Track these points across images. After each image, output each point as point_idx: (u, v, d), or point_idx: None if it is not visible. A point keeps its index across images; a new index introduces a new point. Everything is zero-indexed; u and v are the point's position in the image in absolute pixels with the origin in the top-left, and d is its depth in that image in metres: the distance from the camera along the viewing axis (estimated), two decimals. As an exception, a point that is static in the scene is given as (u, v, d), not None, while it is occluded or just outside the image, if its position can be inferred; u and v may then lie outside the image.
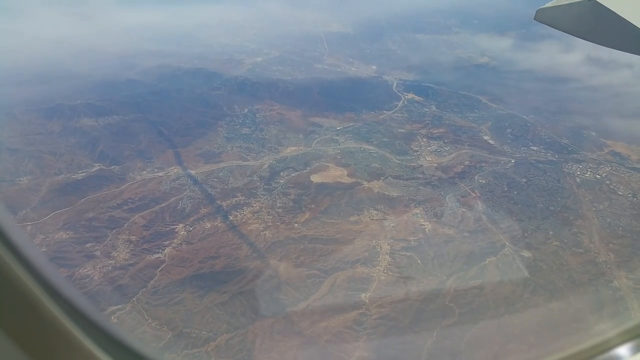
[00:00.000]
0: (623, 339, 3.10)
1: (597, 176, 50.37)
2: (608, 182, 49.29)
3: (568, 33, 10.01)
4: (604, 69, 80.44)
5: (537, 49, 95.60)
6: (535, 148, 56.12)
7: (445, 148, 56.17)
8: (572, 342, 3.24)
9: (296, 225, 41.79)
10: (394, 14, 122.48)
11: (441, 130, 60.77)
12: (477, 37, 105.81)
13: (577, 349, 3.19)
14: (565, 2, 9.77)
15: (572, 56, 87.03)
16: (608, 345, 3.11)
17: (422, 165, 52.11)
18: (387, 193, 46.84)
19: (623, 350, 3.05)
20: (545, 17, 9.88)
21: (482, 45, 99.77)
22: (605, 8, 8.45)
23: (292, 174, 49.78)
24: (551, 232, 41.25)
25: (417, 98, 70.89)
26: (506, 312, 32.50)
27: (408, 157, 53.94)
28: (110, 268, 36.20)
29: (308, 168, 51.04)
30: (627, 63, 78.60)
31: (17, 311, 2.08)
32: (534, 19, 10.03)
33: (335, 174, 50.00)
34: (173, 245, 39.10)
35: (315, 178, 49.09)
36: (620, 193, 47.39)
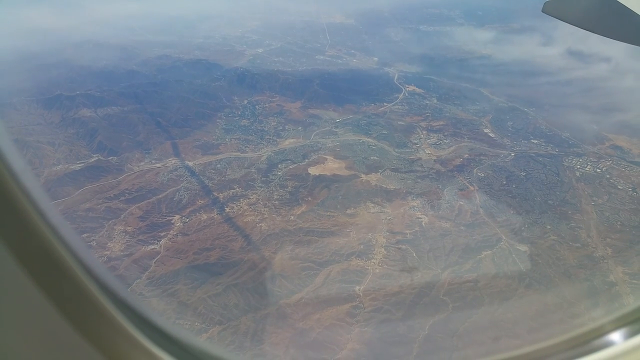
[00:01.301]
0: (616, 325, 3.18)
1: (597, 170, 49.94)
2: (608, 176, 48.89)
3: (576, 26, 9.88)
4: (607, 62, 79.39)
5: (542, 42, 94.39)
6: (535, 141, 55.67)
7: (445, 141, 55.82)
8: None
9: (292, 217, 41.76)
10: (398, 5, 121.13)
11: (441, 122, 60.37)
12: (481, 28, 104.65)
13: (572, 335, 3.25)
14: None
15: (577, 49, 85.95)
16: (602, 331, 3.18)
17: (421, 158, 51.83)
18: (385, 186, 46.68)
19: (616, 336, 3.12)
20: (553, 9, 9.82)
21: (485, 37, 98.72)
22: (613, 0, 8.33)
23: (290, 166, 49.68)
24: (549, 226, 41.02)
25: (418, 90, 70.37)
26: (500, 306, 32.43)
27: (407, 150, 53.66)
28: (105, 259, 36.30)
29: (306, 160, 50.91)
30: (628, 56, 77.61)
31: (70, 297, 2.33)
32: (542, 11, 9.92)
33: (333, 166, 49.84)
34: (169, 236, 39.20)
35: (313, 170, 48.97)
36: (620, 187, 46.99)
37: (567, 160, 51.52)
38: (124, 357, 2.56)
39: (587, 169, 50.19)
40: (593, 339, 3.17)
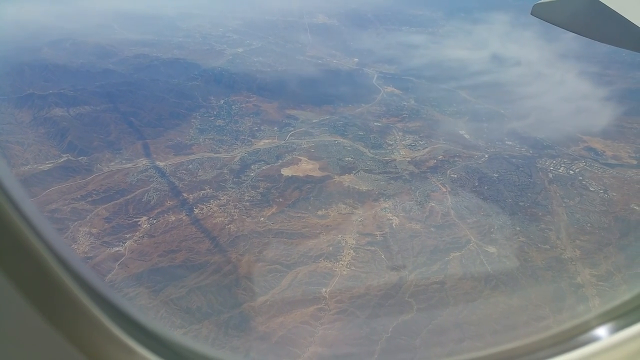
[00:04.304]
0: (601, 320, 3.21)
1: (570, 172, 50.22)
2: (581, 177, 49.18)
3: (564, 28, 9.91)
4: (591, 65, 79.87)
5: (525, 43, 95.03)
6: (510, 143, 55.86)
7: (420, 142, 55.76)
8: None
9: (262, 219, 41.30)
10: (381, 6, 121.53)
11: (418, 124, 60.37)
12: (462, 30, 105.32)
13: (557, 330, 3.28)
14: None
15: (559, 50, 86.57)
16: (587, 327, 3.21)
17: (395, 160, 51.67)
18: (358, 187, 46.42)
19: (601, 331, 3.15)
20: (542, 12, 9.83)
21: (466, 38, 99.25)
22: (601, 4, 8.41)
23: (263, 167, 49.18)
24: (518, 228, 41.05)
25: (396, 91, 70.47)
26: (465, 308, 32.31)
27: (382, 151, 53.49)
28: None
29: (280, 161, 50.47)
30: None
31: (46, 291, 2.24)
32: (531, 14, 9.95)
33: (307, 167, 49.47)
34: (134, 238, 38.46)
35: (286, 171, 48.54)
36: (592, 189, 47.25)
37: (540, 161, 51.77)
38: (101, 353, 2.47)
39: (560, 170, 50.45)
40: (578, 335, 3.20)
